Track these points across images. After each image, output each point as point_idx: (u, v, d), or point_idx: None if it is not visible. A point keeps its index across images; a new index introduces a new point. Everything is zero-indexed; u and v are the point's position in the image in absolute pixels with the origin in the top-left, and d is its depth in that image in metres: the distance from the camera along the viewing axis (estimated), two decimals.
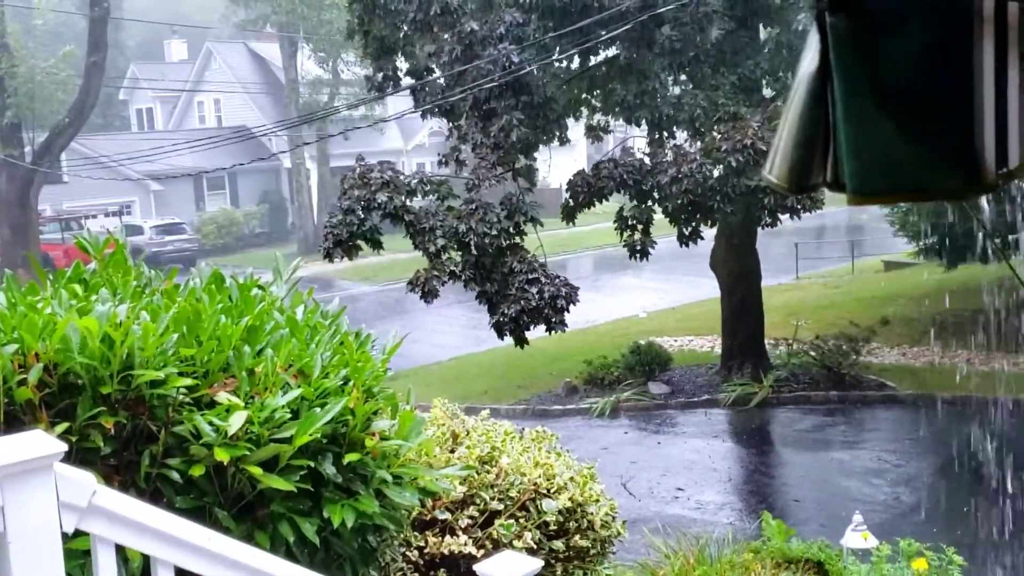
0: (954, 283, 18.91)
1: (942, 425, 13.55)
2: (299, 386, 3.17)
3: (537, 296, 12.67)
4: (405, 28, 13.66)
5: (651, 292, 25.58)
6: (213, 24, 48.15)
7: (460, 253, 12.80)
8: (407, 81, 15.02)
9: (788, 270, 25.71)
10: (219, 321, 3.18)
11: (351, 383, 3.35)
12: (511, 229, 12.85)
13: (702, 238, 13.76)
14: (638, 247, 13.37)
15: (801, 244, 26.54)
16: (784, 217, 13.26)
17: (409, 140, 44.90)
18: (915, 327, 18.07)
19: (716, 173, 12.30)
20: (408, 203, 12.78)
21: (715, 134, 12.22)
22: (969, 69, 1.20)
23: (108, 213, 36.50)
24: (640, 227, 13.37)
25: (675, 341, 19.03)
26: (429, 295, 12.64)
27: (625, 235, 13.52)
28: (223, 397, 2.98)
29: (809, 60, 1.24)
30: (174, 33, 51.48)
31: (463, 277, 12.85)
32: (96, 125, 40.98)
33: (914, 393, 14.70)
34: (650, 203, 13.25)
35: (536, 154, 14.43)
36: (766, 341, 16.50)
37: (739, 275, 16.24)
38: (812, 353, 15.64)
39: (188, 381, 2.88)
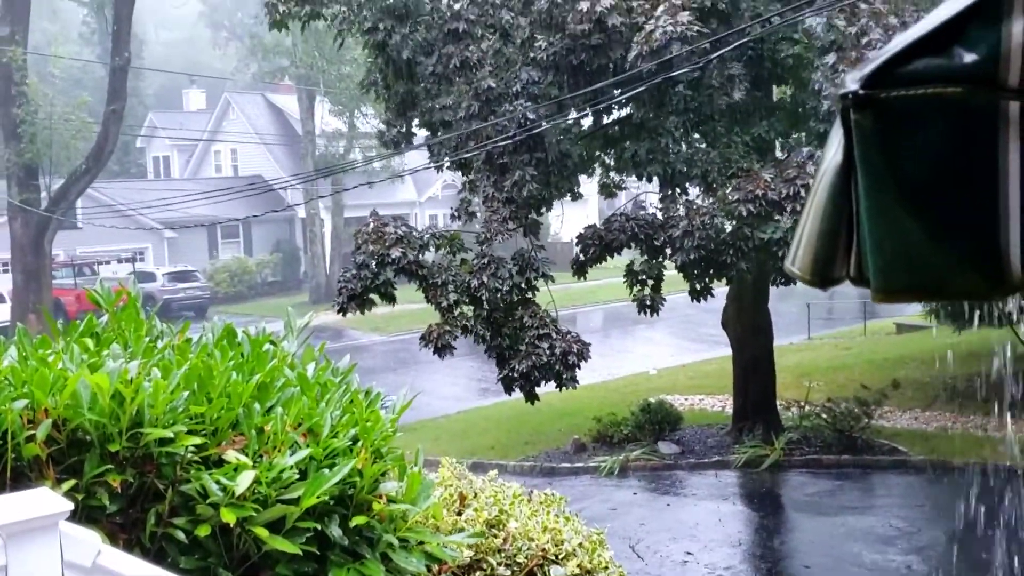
0: (966, 347, 18.77)
1: (954, 492, 13.36)
2: (308, 445, 3.14)
3: (548, 352, 12.64)
4: (424, 83, 13.83)
5: (662, 348, 25.49)
6: (231, 75, 48.82)
7: (472, 308, 12.81)
8: (423, 134, 15.17)
9: (800, 330, 25.62)
10: (230, 378, 3.17)
11: (360, 443, 3.32)
12: (523, 284, 12.87)
13: (712, 295, 13.69)
14: (648, 302, 13.34)
15: (813, 304, 26.46)
16: None
17: (423, 192, 45.24)
18: (927, 391, 17.92)
19: (728, 227, 12.30)
20: (421, 258, 12.84)
21: (727, 189, 12.25)
22: (994, 170, 1.20)
23: (121, 259, 36.76)
24: (650, 282, 13.35)
25: (686, 399, 18.90)
26: (442, 350, 12.66)
27: (635, 289, 13.49)
28: (231, 456, 2.95)
29: (833, 153, 1.24)
30: (193, 83, 52.22)
31: (475, 332, 12.85)
32: (112, 172, 41.44)
33: (926, 459, 14.53)
34: (661, 258, 13.25)
35: (548, 209, 14.49)
36: (778, 402, 16.38)
37: (751, 334, 16.18)
38: (824, 416, 15.51)
39: (197, 440, 2.85)
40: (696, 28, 11.34)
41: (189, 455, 2.87)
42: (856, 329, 26.55)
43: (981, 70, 1.17)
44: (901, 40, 1.17)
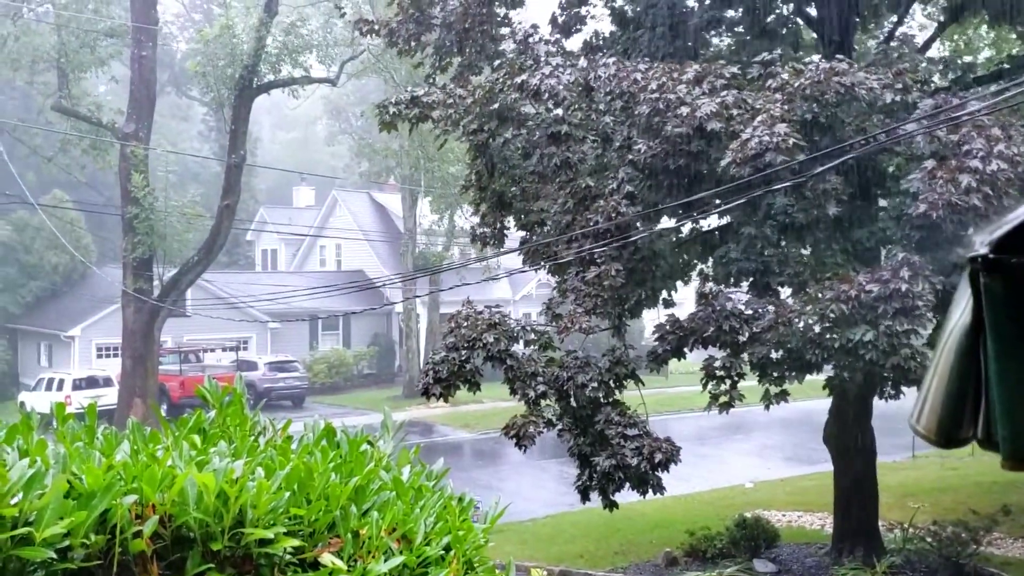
0: None
1: None
2: (401, 552, 3.14)
3: (634, 452, 12.20)
4: (521, 183, 14.04)
5: (759, 461, 24.81)
6: (340, 174, 50.56)
7: (559, 402, 12.62)
8: (518, 235, 15.34)
9: (904, 448, 24.61)
10: (329, 479, 3.20)
11: (452, 552, 3.30)
12: (611, 382, 12.65)
13: (787, 400, 12.99)
14: (722, 398, 12.56)
15: None
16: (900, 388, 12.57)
17: (518, 290, 45.65)
18: None
19: (817, 328, 11.86)
20: (511, 349, 12.76)
21: (818, 289, 11.83)
22: None
23: (226, 348, 37.81)
24: (728, 380, 12.61)
25: (783, 516, 18.27)
26: (524, 440, 12.36)
27: (710, 385, 12.73)
28: (327, 559, 2.97)
29: (960, 312, 1.21)
30: (303, 181, 54.25)
31: (559, 426, 12.61)
32: (222, 263, 42.94)
33: None
34: (744, 356, 12.59)
35: (636, 315, 14.28)
36: (880, 523, 15.68)
37: (853, 451, 15.61)
38: (929, 540, 14.78)
39: (296, 541, 2.88)
40: (792, 140, 11.26)
41: (287, 556, 2.90)
42: (963, 449, 25.37)
43: None
44: None
